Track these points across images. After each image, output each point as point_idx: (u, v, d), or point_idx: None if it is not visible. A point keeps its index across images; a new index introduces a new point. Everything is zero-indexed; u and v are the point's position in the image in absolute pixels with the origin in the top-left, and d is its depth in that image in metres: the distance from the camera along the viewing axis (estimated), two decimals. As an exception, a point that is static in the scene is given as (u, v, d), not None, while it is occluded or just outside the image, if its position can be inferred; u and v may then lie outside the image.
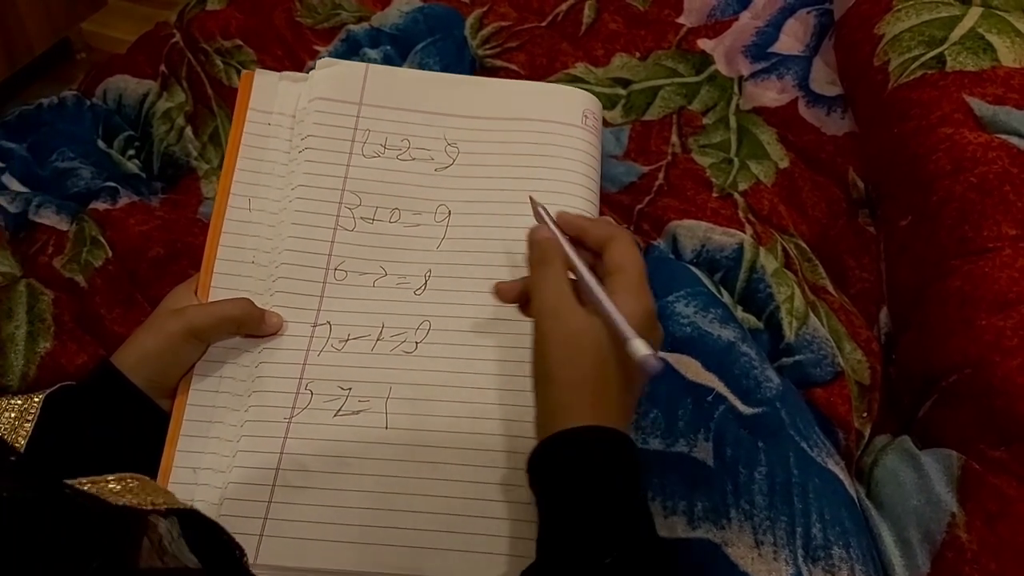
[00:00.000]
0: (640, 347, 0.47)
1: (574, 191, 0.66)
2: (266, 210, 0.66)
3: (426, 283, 0.64)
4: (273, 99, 0.70)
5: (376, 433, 0.59)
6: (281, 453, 0.58)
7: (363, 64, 0.72)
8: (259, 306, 0.62)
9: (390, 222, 0.66)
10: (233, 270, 0.64)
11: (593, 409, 0.48)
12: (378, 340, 0.62)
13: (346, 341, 0.62)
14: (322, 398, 0.60)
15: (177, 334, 0.58)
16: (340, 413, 0.60)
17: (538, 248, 0.54)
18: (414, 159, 0.68)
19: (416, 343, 0.62)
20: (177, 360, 0.59)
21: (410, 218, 0.66)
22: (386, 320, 0.63)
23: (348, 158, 0.68)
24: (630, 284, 0.50)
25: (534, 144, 0.68)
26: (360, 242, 0.65)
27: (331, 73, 0.70)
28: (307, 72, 0.88)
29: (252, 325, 0.61)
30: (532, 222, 0.56)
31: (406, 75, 0.74)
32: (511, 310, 0.58)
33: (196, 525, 0.40)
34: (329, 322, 0.63)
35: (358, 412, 0.60)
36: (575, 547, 0.45)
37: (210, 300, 0.62)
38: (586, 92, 0.72)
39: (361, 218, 0.66)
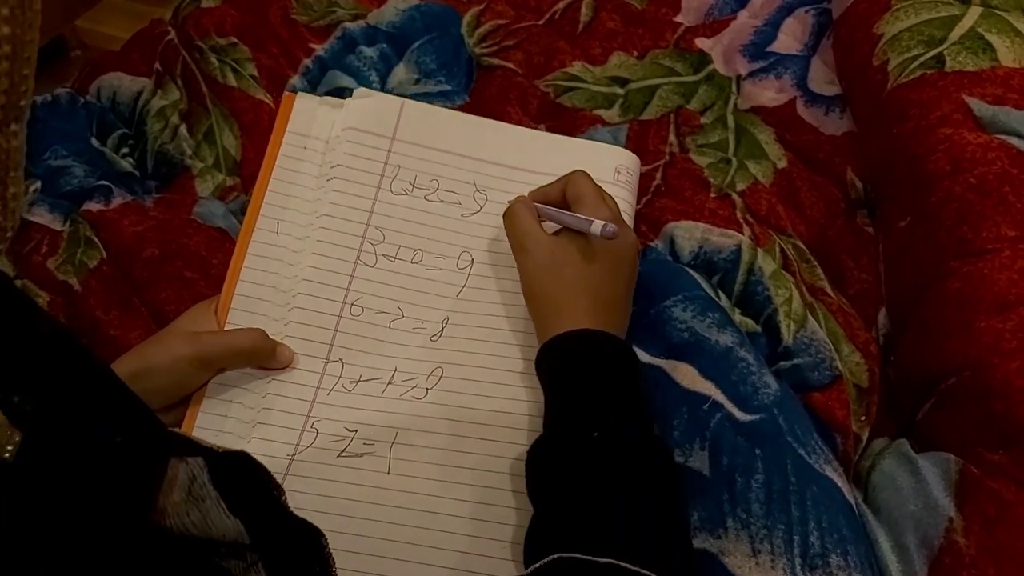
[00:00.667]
0: (597, 223, 0.55)
1: None
2: (292, 235, 0.65)
3: (443, 330, 0.63)
4: (311, 124, 0.68)
5: (377, 478, 0.57)
6: None
7: (399, 99, 0.71)
8: (273, 335, 0.61)
9: (412, 262, 0.65)
10: (254, 293, 0.63)
11: (578, 314, 0.56)
12: (389, 384, 0.61)
13: (357, 382, 0.61)
14: (327, 438, 0.59)
15: (185, 359, 0.58)
16: (343, 455, 0.58)
17: (505, 210, 0.63)
18: (442, 201, 0.67)
19: (427, 389, 0.61)
20: (179, 381, 0.59)
21: (432, 261, 0.65)
22: (399, 364, 0.61)
23: (376, 192, 0.66)
24: (589, 202, 0.59)
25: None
26: (379, 280, 0.64)
27: (366, 104, 0.69)
28: (302, 72, 0.88)
29: (263, 358, 0.60)
30: None
31: (441, 114, 0.73)
32: (525, 364, 0.60)
33: (239, 470, 0.40)
34: (342, 360, 0.61)
35: (361, 455, 0.58)
36: (567, 425, 0.53)
37: (229, 321, 0.62)
38: (623, 149, 0.70)
39: (383, 255, 0.64)
